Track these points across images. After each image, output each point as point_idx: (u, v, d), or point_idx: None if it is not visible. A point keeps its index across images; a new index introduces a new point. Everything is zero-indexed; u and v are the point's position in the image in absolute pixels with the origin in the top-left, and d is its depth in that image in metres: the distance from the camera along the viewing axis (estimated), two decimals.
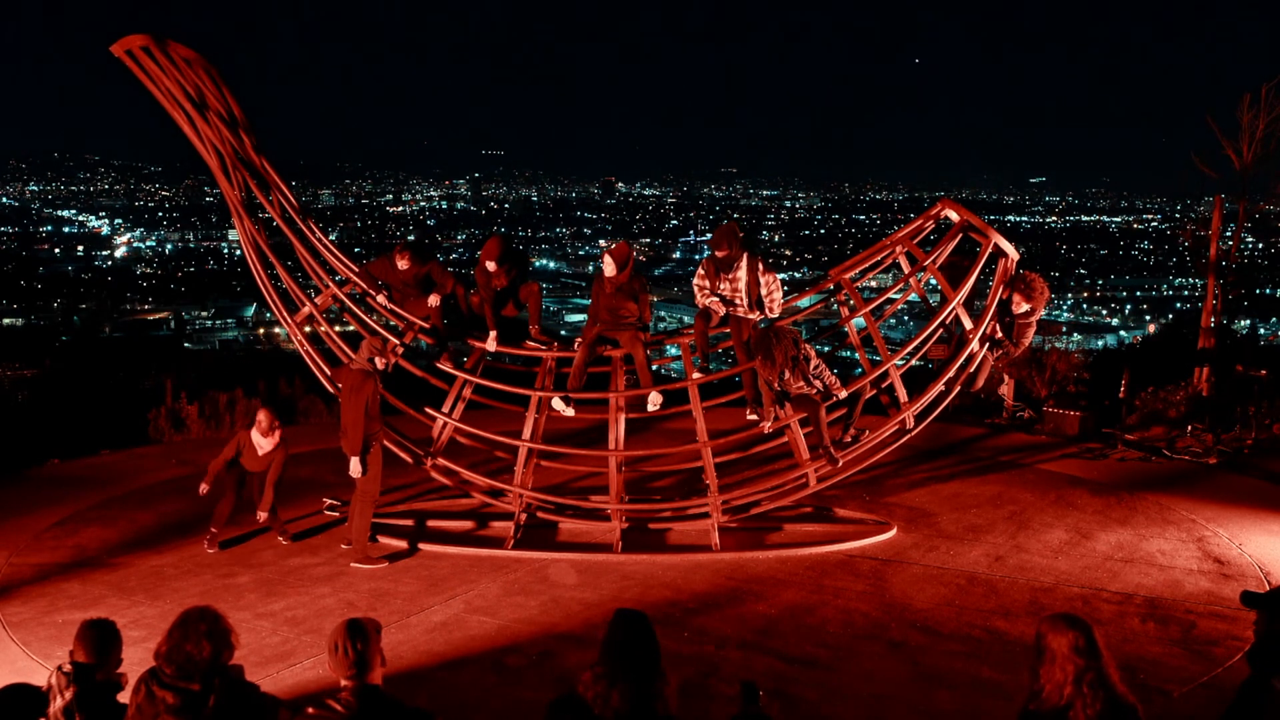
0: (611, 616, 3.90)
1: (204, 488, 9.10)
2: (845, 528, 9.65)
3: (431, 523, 9.85)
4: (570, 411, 9.26)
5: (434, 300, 9.32)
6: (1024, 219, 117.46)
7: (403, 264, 9.34)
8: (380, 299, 9.55)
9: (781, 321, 9.24)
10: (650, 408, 9.17)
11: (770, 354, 8.61)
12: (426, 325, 9.39)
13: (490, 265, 9.26)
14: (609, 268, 9.03)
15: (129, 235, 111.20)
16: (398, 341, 9.35)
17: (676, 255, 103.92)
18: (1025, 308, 9.29)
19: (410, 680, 6.47)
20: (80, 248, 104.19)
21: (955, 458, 12.50)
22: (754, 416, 9.26)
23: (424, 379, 9.91)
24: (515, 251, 9.69)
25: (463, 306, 9.73)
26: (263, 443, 8.98)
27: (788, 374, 8.73)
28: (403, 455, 9.41)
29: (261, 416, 8.96)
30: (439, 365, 9.54)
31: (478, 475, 9.68)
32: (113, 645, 4.32)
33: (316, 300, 9.66)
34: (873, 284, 11.66)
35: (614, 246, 9.21)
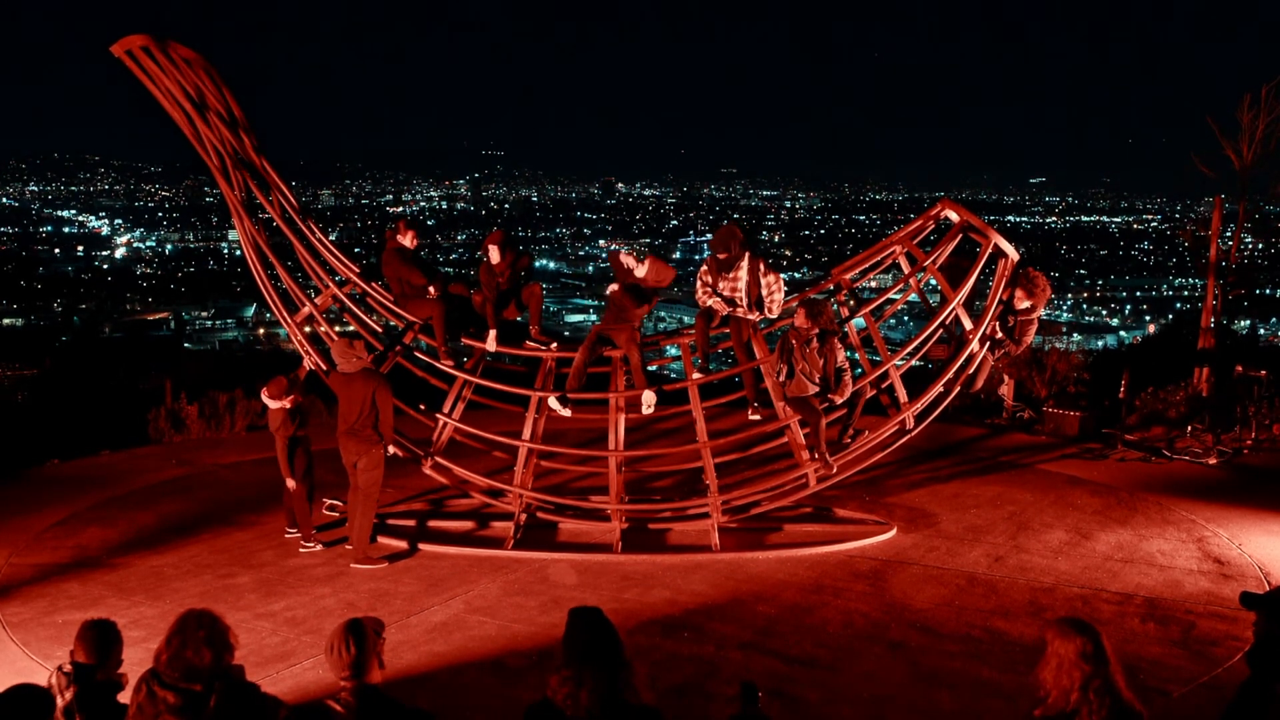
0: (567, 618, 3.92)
1: (290, 484, 9.23)
2: (845, 528, 9.65)
3: (432, 523, 9.85)
4: (567, 412, 9.26)
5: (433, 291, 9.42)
6: (1024, 219, 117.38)
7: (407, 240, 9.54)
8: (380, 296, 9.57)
9: (784, 321, 9.25)
10: (645, 410, 9.16)
11: (817, 310, 8.67)
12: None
13: (494, 252, 9.29)
14: (639, 270, 9.15)
15: (129, 235, 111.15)
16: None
17: (677, 255, 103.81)
18: (1026, 304, 9.30)
19: (410, 681, 6.47)
20: (80, 248, 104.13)
21: (955, 458, 12.50)
22: (755, 416, 9.26)
23: (424, 379, 9.93)
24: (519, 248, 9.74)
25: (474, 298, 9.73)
26: (271, 404, 9.17)
27: (814, 344, 8.73)
28: (401, 454, 9.41)
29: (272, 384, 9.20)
30: (439, 365, 9.54)
31: (477, 475, 9.69)
32: (113, 645, 4.32)
33: (316, 300, 9.66)
34: (873, 284, 11.67)
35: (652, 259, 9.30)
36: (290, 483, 9.15)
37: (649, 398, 9.10)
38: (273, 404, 9.10)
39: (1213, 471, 11.91)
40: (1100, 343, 46.37)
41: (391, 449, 9.02)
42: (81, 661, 4.26)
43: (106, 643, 4.30)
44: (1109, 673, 3.64)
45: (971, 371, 9.47)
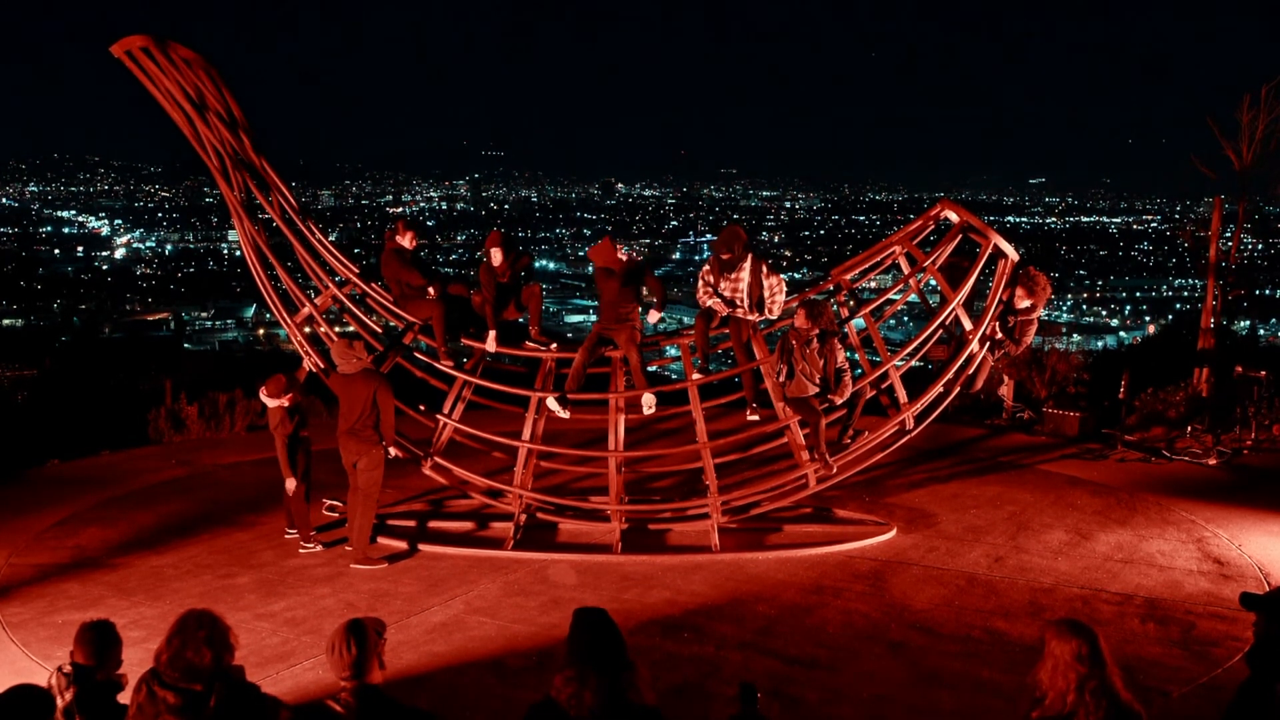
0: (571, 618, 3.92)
1: (290, 485, 9.17)
2: (845, 528, 9.65)
3: (431, 523, 9.85)
4: (565, 414, 9.27)
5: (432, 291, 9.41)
6: (1024, 219, 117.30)
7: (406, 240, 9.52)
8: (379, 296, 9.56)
9: (784, 321, 9.27)
10: (645, 410, 9.17)
11: (817, 311, 8.71)
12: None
13: (496, 255, 9.31)
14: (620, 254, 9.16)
15: (129, 236, 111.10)
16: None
17: (676, 256, 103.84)
18: (1027, 303, 9.31)
19: (410, 681, 6.48)
20: (80, 248, 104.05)
21: (955, 458, 12.50)
22: (754, 417, 9.27)
23: (424, 379, 9.92)
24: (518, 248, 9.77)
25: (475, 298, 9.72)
26: (269, 402, 9.12)
27: (814, 345, 8.74)
28: (401, 455, 9.41)
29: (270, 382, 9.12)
30: (439, 365, 9.54)
31: (477, 475, 9.69)
32: (111, 646, 4.32)
33: (316, 301, 9.66)
34: (872, 285, 11.66)
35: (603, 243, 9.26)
36: (290, 483, 9.14)
37: (649, 399, 9.11)
38: (270, 402, 9.09)
39: (1212, 472, 11.91)
40: (1100, 343, 46.38)
41: (393, 450, 9.00)
42: (80, 663, 4.26)
43: (105, 643, 4.30)
44: (1106, 674, 3.63)
45: (971, 372, 9.47)
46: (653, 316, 9.36)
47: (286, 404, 9.07)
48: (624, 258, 9.18)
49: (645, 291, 9.36)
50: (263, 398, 9.17)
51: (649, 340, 9.72)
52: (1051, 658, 3.71)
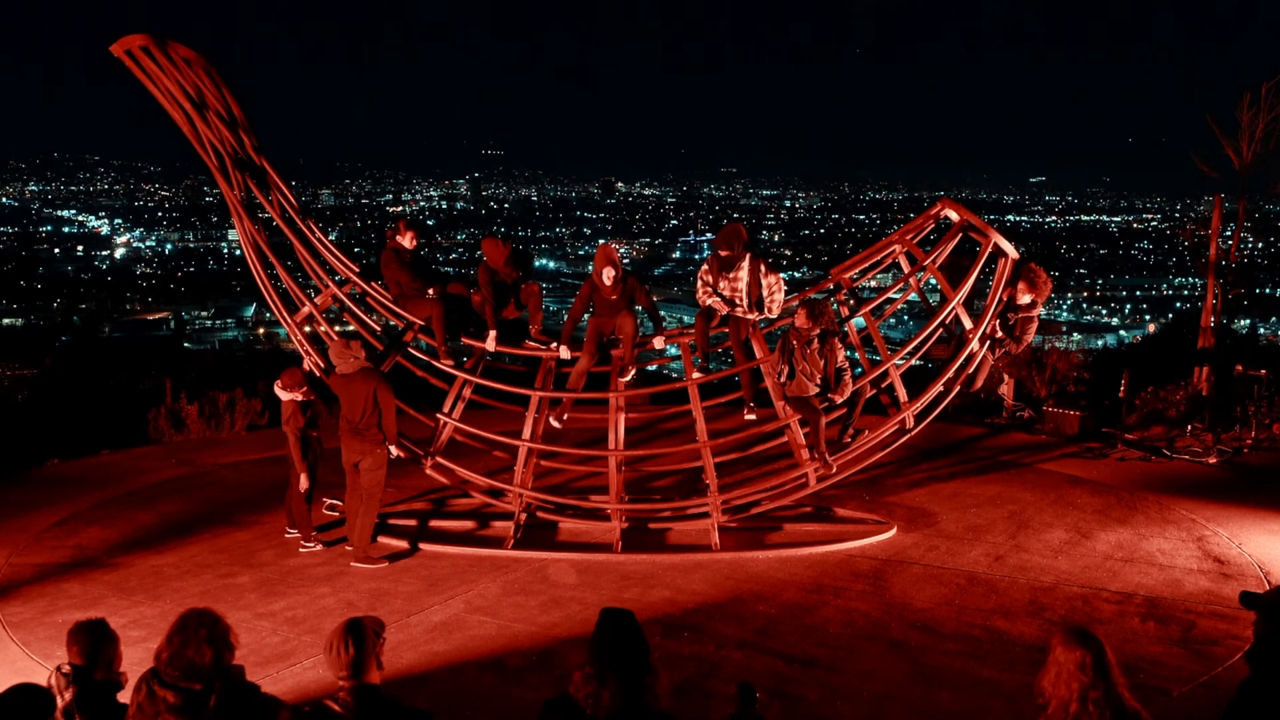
0: (597, 616, 3.91)
1: (304, 481, 9.12)
2: (845, 527, 9.65)
3: (432, 523, 9.85)
4: (557, 425, 9.34)
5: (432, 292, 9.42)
6: (1024, 219, 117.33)
7: (408, 241, 9.54)
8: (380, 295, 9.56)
9: (784, 320, 9.27)
10: (622, 379, 9.19)
11: (818, 311, 8.72)
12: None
13: (506, 263, 9.34)
14: (608, 277, 9.06)
15: (129, 235, 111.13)
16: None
17: (676, 255, 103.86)
18: (1028, 298, 9.32)
19: (410, 680, 6.47)
20: (80, 248, 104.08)
21: (955, 457, 12.50)
22: (751, 416, 9.27)
23: (424, 379, 9.92)
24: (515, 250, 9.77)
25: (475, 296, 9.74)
26: (283, 395, 9.08)
27: (814, 344, 8.74)
28: (403, 455, 9.40)
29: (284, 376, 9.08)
30: (439, 365, 9.54)
31: (477, 475, 9.69)
32: (104, 645, 4.29)
33: (316, 300, 9.66)
34: (873, 284, 11.67)
35: (601, 251, 9.20)
36: (304, 480, 9.08)
37: (628, 370, 9.18)
38: (284, 395, 9.06)
39: (1213, 471, 11.91)
40: (1100, 342, 46.39)
41: (395, 450, 8.98)
42: (74, 662, 4.25)
43: (98, 643, 4.27)
44: (1110, 685, 3.60)
45: (971, 371, 9.47)
46: (659, 342, 9.42)
47: (300, 398, 9.05)
48: (619, 280, 9.12)
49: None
50: (276, 390, 9.14)
51: (647, 339, 9.73)
52: (1055, 665, 3.68)
